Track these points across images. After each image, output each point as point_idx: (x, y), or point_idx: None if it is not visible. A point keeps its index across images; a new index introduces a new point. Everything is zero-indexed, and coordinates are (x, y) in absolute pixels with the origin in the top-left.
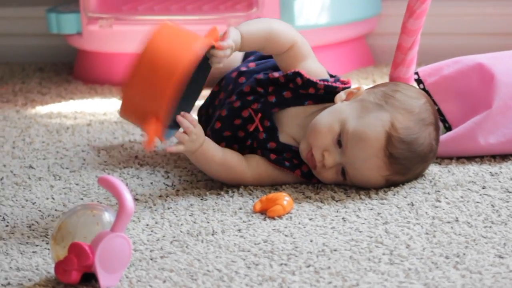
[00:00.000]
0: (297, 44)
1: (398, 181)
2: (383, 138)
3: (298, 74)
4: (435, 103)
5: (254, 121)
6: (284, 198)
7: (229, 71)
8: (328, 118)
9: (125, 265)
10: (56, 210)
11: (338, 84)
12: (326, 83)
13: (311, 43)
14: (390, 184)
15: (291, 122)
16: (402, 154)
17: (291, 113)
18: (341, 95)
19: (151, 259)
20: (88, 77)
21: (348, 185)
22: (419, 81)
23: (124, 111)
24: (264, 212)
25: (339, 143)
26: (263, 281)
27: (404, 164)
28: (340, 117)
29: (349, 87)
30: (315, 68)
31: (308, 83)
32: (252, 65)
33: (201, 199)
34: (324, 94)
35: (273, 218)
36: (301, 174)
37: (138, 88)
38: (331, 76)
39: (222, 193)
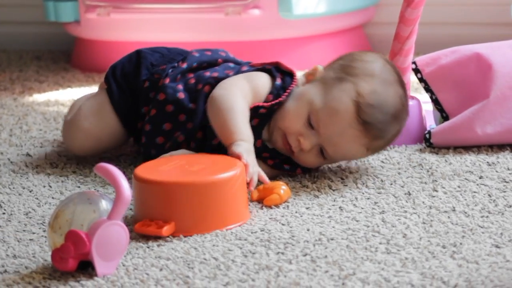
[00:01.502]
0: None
1: (378, 146)
2: (352, 108)
3: (259, 107)
4: (432, 93)
5: None
6: (281, 187)
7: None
8: (294, 103)
9: (122, 253)
10: (53, 198)
11: (279, 81)
12: (273, 101)
13: (308, 32)
14: (372, 151)
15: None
16: (375, 118)
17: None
18: (301, 79)
19: (148, 247)
20: (85, 65)
21: (330, 162)
22: (416, 70)
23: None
24: (261, 201)
25: (310, 125)
26: (259, 270)
27: (379, 127)
28: (305, 100)
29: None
30: (260, 93)
31: (269, 112)
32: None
33: None
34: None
35: (270, 207)
36: (302, 170)
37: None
38: (273, 74)
39: None
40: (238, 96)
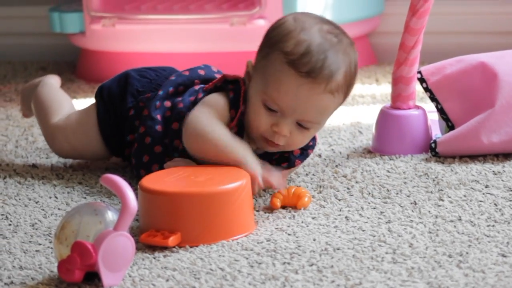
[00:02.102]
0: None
1: (339, 83)
2: (289, 69)
3: (231, 129)
4: (438, 102)
5: None
6: (308, 192)
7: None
8: (249, 106)
9: (128, 264)
10: (59, 209)
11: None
12: (236, 116)
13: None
14: (340, 92)
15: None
16: (312, 62)
17: None
18: (246, 82)
19: (154, 257)
20: (90, 76)
21: (317, 128)
22: (422, 80)
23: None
24: (286, 206)
25: (273, 111)
26: (266, 280)
27: (321, 66)
28: (254, 95)
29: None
30: (224, 114)
31: (240, 128)
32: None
33: None
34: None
35: (276, 217)
36: (300, 159)
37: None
38: (226, 90)
39: None
40: (210, 121)
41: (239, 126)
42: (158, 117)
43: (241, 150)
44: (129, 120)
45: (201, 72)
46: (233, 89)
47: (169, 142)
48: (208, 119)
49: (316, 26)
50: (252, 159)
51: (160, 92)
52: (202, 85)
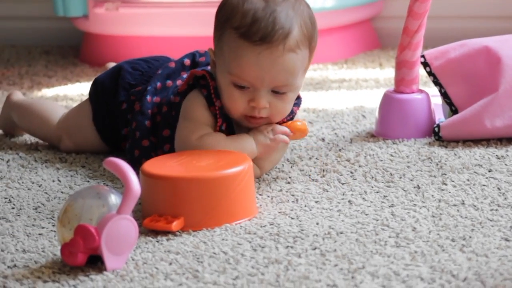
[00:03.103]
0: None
1: (297, 37)
2: (243, 42)
3: (221, 129)
4: (441, 86)
5: None
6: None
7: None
8: (220, 90)
9: (131, 247)
10: (62, 192)
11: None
12: (217, 112)
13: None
14: (302, 45)
15: None
16: (261, 28)
17: None
18: (212, 70)
19: (157, 241)
20: (94, 60)
21: (294, 90)
22: (425, 64)
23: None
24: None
25: (243, 88)
26: (269, 264)
27: (274, 27)
28: (221, 80)
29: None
30: (207, 119)
31: (228, 122)
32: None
33: None
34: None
35: (280, 201)
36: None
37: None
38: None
39: None
40: (201, 139)
41: (225, 118)
42: (149, 112)
43: (248, 143)
44: (122, 114)
45: (187, 63)
46: (204, 85)
47: (158, 136)
48: (197, 138)
49: None
50: (260, 142)
51: (149, 87)
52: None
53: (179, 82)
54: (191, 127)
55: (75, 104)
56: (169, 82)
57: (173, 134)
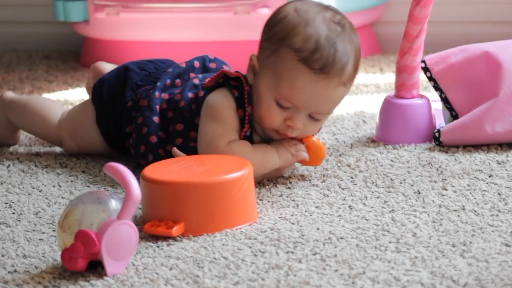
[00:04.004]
0: None
1: (350, 71)
2: (302, 67)
3: (246, 135)
4: (442, 92)
5: None
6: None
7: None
8: (259, 103)
9: (131, 253)
10: (62, 197)
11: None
12: (246, 118)
13: None
14: (351, 79)
15: None
16: (324, 57)
17: None
18: (249, 76)
19: (158, 246)
20: None
21: (326, 116)
22: (426, 69)
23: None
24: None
25: (285, 107)
26: (269, 269)
27: (334, 60)
28: (264, 92)
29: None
30: (235, 123)
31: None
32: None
33: None
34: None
35: (280, 206)
36: None
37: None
38: (230, 88)
39: None
40: (229, 145)
41: (251, 124)
42: (157, 108)
43: (272, 154)
44: (127, 111)
45: (196, 65)
46: (236, 87)
47: (169, 130)
48: (225, 144)
49: (319, 16)
50: (282, 156)
51: (158, 83)
52: (200, 80)
53: (196, 81)
54: (219, 131)
55: None
56: (178, 81)
57: (186, 128)
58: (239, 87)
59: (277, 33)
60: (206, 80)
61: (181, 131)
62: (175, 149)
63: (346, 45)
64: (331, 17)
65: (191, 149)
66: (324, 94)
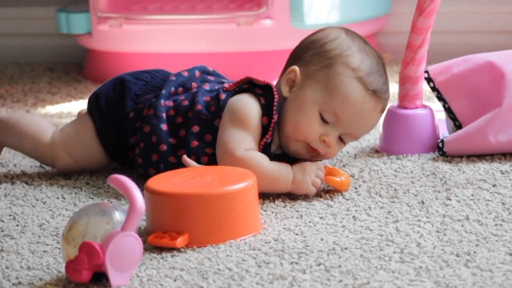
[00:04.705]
0: None
1: (387, 101)
2: (358, 85)
3: (266, 142)
4: (445, 102)
5: None
6: (344, 175)
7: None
8: (298, 112)
9: (135, 264)
10: (66, 209)
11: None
12: (271, 127)
13: None
14: (384, 110)
15: None
16: (378, 81)
17: None
18: (284, 88)
19: (162, 258)
20: (97, 76)
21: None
22: (429, 79)
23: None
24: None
25: (325, 122)
26: (273, 280)
27: (384, 88)
28: (309, 103)
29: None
30: (256, 130)
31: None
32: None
33: None
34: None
35: (284, 217)
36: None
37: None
38: (256, 95)
39: None
40: (246, 154)
41: (272, 132)
42: (164, 115)
43: (286, 176)
44: (129, 122)
45: (197, 74)
46: (264, 95)
47: (180, 136)
48: (243, 152)
49: (367, 46)
50: (300, 178)
51: (163, 91)
52: (210, 87)
53: (206, 87)
54: (239, 137)
55: None
56: (180, 89)
57: (202, 131)
58: (267, 95)
59: (332, 50)
60: (226, 85)
61: (197, 133)
62: (185, 157)
63: (387, 77)
64: (373, 49)
65: (205, 154)
66: (369, 115)
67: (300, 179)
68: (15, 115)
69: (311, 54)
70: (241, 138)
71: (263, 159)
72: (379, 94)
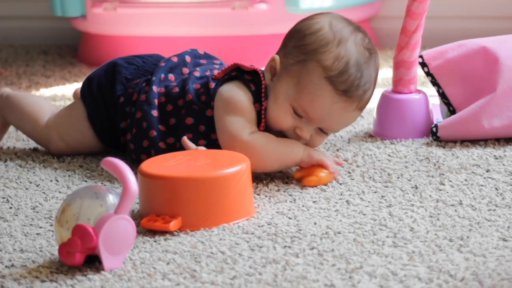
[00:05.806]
0: None
1: (367, 98)
2: (327, 86)
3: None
4: (439, 87)
5: None
6: (322, 170)
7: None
8: (275, 104)
9: (128, 247)
10: (60, 192)
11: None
12: (262, 111)
13: None
14: (365, 105)
15: None
16: (350, 80)
17: None
18: (267, 75)
19: (155, 241)
20: (92, 59)
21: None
22: (423, 64)
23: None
24: (299, 180)
25: (299, 115)
26: (266, 263)
27: (358, 84)
28: (282, 97)
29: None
30: (251, 116)
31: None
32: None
33: None
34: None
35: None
36: None
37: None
38: (245, 82)
39: None
40: (253, 136)
41: (265, 118)
42: (156, 101)
43: (297, 145)
44: (120, 107)
45: (188, 59)
46: (253, 81)
47: (170, 124)
48: (249, 134)
49: (352, 37)
50: (312, 151)
51: (154, 78)
52: (200, 73)
53: (196, 73)
54: (240, 123)
55: None
56: (171, 75)
57: (196, 123)
58: (256, 81)
59: (309, 44)
60: (215, 72)
61: (191, 125)
62: (185, 139)
63: (370, 72)
64: (361, 40)
65: (198, 146)
66: (341, 115)
67: (315, 153)
68: (20, 93)
69: (292, 45)
70: (243, 124)
71: (270, 137)
72: (350, 94)
